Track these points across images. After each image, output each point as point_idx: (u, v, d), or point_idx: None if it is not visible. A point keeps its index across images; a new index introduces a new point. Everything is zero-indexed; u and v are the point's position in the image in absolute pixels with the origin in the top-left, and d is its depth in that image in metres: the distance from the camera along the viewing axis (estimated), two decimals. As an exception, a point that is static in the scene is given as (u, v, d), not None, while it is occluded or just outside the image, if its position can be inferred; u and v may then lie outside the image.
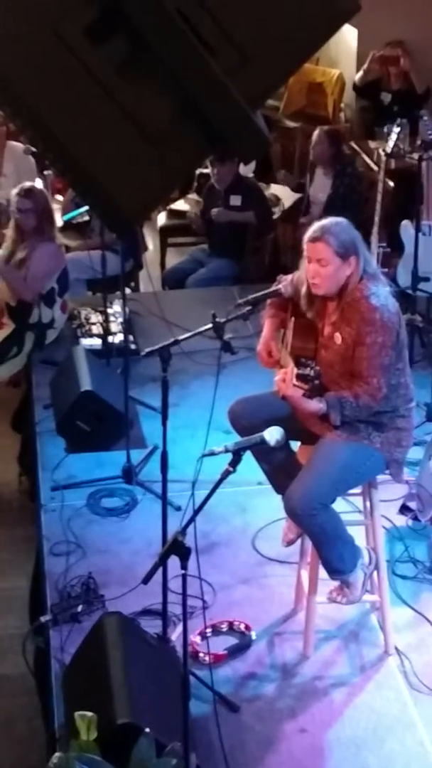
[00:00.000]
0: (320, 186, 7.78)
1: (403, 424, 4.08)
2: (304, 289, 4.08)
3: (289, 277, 4.24)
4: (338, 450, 4.01)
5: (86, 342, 6.36)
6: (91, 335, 6.47)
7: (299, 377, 3.81)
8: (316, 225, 4.00)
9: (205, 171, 7.94)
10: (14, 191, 6.36)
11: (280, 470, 4.25)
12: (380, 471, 4.13)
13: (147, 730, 3.36)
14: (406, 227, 6.79)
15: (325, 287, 3.99)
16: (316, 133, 7.75)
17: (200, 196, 8.15)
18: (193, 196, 8.50)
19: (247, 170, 8.23)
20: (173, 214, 8.59)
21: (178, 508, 4.70)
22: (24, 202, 6.23)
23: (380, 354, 3.93)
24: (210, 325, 4.17)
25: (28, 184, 6.56)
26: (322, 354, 4.07)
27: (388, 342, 3.93)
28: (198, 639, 4.26)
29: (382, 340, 3.92)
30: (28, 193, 6.27)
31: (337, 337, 4.00)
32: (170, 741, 3.38)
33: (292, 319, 4.17)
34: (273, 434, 3.58)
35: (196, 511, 3.40)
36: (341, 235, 3.95)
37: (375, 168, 7.61)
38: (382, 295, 3.98)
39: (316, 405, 3.92)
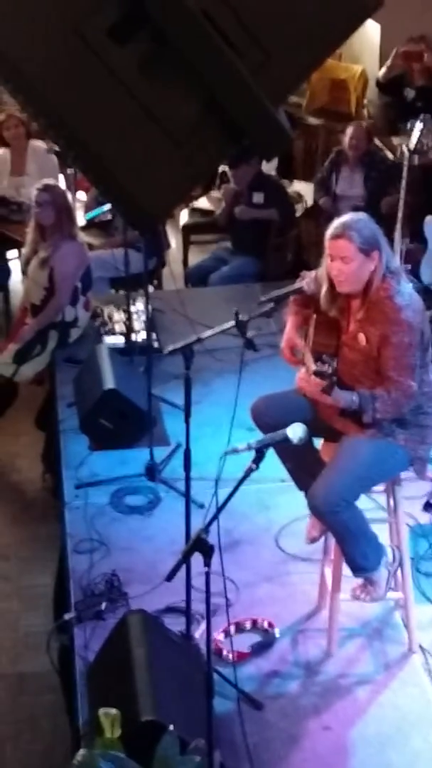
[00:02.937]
0: (348, 182, 7.77)
1: (426, 422, 4.07)
2: (325, 288, 4.07)
3: (312, 273, 4.22)
4: (362, 447, 4.00)
5: (109, 340, 6.36)
6: (114, 333, 6.47)
7: (317, 373, 3.80)
8: (337, 222, 3.99)
9: (227, 169, 7.94)
10: (34, 187, 6.39)
11: (303, 468, 4.24)
12: (404, 468, 4.12)
13: (171, 727, 3.36)
14: (430, 223, 6.76)
15: (349, 284, 3.98)
16: (352, 129, 7.74)
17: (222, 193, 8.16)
18: (216, 193, 8.50)
19: (269, 167, 8.23)
20: (196, 211, 8.59)
21: (201, 506, 4.70)
22: (42, 195, 6.24)
23: (407, 354, 3.91)
24: (233, 323, 4.17)
25: (48, 180, 6.59)
26: (346, 353, 4.06)
27: (414, 341, 3.91)
28: (221, 637, 4.26)
29: (408, 340, 3.90)
30: (47, 187, 6.30)
31: (361, 338, 3.98)
32: (194, 738, 3.38)
33: (314, 315, 4.15)
34: (296, 431, 3.57)
35: (220, 509, 3.40)
36: (363, 230, 3.93)
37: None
38: (406, 293, 3.96)
39: (348, 397, 3.91)
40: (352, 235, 3.91)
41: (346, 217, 4.01)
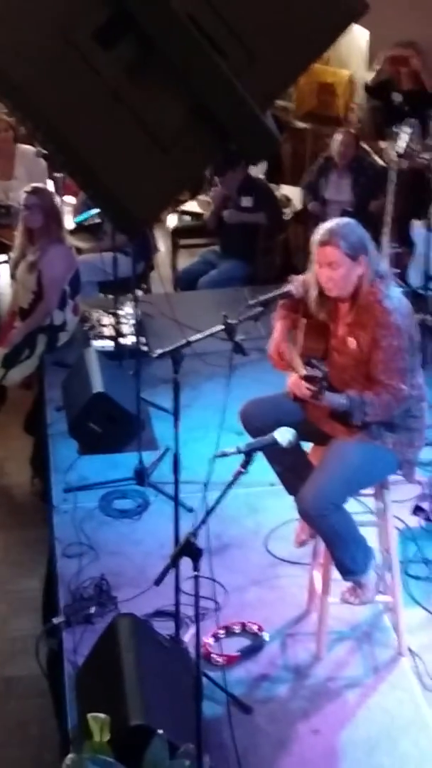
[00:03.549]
0: (336, 187, 7.79)
1: (415, 425, 4.08)
2: (314, 293, 4.07)
3: (301, 277, 4.23)
4: (350, 450, 4.00)
5: (98, 344, 6.36)
6: (103, 337, 6.47)
7: (307, 378, 3.80)
8: (323, 228, 3.98)
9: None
10: (23, 190, 6.38)
11: (291, 471, 4.24)
12: (392, 471, 4.12)
13: (160, 731, 3.36)
14: (417, 227, 6.78)
15: (338, 289, 3.99)
16: (342, 135, 7.77)
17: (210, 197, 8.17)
18: (204, 197, 8.51)
19: (257, 171, 8.24)
20: (185, 215, 8.59)
21: (190, 510, 4.70)
22: (31, 198, 6.24)
23: (396, 357, 3.92)
24: (221, 327, 4.17)
25: (36, 184, 6.58)
26: (335, 357, 4.06)
27: (403, 345, 3.92)
28: (211, 640, 4.26)
29: (397, 343, 3.91)
30: (35, 191, 6.30)
31: (351, 342, 3.99)
32: (183, 742, 3.38)
33: (303, 320, 4.16)
34: (285, 435, 3.58)
35: (208, 513, 3.41)
36: (350, 236, 3.93)
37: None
38: (395, 297, 3.97)
39: (338, 400, 3.92)
40: (339, 242, 3.91)
41: (332, 223, 4.00)
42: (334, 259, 3.93)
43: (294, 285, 4.23)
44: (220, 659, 4.18)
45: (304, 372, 3.81)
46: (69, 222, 7.43)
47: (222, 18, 3.03)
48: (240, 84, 3.07)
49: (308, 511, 3.95)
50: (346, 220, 4.06)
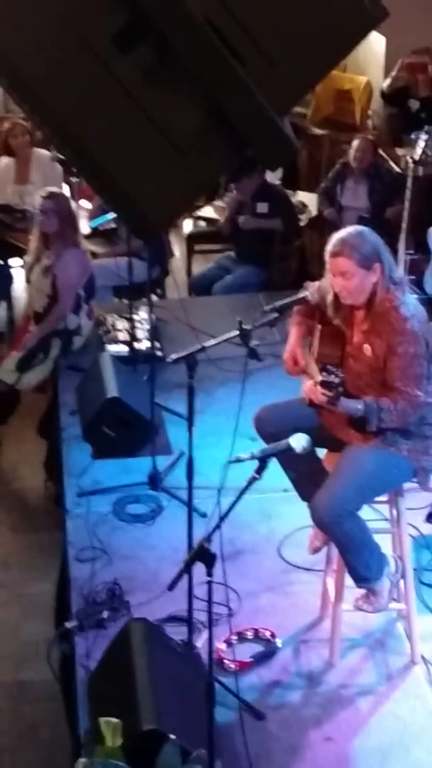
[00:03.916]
0: (353, 194, 7.79)
1: (430, 432, 4.06)
2: (330, 298, 4.07)
3: (316, 284, 4.23)
4: (365, 458, 3.99)
5: (112, 348, 6.36)
6: (118, 342, 6.48)
7: (323, 384, 3.80)
8: (336, 238, 3.97)
9: (231, 178, 7.97)
10: (39, 195, 6.40)
11: (305, 477, 4.24)
12: (407, 479, 4.11)
13: (172, 736, 3.36)
14: (434, 234, 6.77)
15: (353, 298, 3.98)
16: (359, 142, 7.78)
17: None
18: (220, 203, 8.51)
19: (273, 177, 8.24)
20: (200, 220, 8.60)
21: (204, 515, 4.70)
22: (46, 203, 6.25)
23: (413, 364, 3.91)
24: (236, 332, 4.17)
25: (52, 188, 6.60)
26: (351, 363, 4.05)
27: (419, 351, 3.91)
28: (223, 646, 4.26)
29: (414, 350, 3.90)
30: (51, 195, 6.31)
31: (367, 349, 3.98)
32: (195, 748, 3.38)
33: (319, 326, 4.16)
34: (299, 441, 3.57)
35: (222, 518, 3.40)
36: (362, 246, 3.92)
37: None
38: (411, 304, 3.96)
39: (354, 405, 3.90)
40: (351, 252, 3.91)
41: (344, 233, 3.99)
42: (346, 270, 3.92)
43: (309, 291, 4.22)
44: (232, 665, 4.17)
45: (320, 378, 3.81)
46: (84, 226, 7.44)
47: (240, 23, 3.03)
48: (258, 90, 3.07)
49: (322, 518, 3.94)
50: (359, 228, 4.04)
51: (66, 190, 7.22)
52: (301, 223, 8.11)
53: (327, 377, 3.78)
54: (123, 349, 6.38)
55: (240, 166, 7.30)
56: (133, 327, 6.38)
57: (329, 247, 3.96)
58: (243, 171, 7.45)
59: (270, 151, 3.29)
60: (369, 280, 3.93)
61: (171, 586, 3.48)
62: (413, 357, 3.90)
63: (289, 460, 4.09)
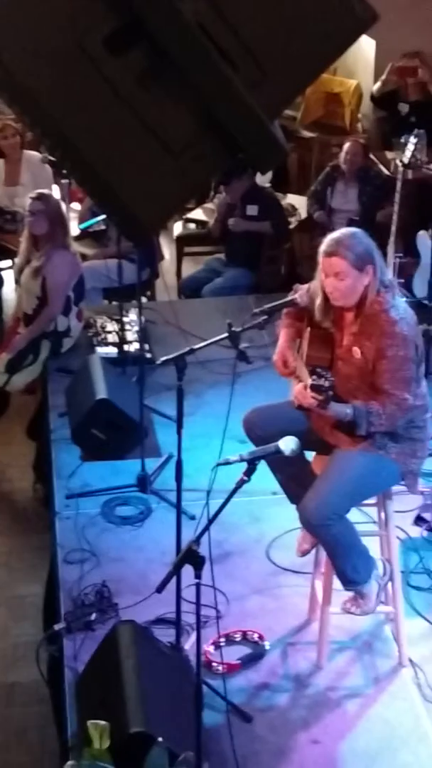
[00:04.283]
0: (343, 197, 7.81)
1: (418, 435, 4.07)
2: (319, 301, 4.07)
3: (306, 286, 4.23)
4: (354, 460, 4.00)
5: (102, 350, 6.37)
6: (107, 344, 6.48)
7: (313, 388, 3.80)
8: (330, 239, 3.98)
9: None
10: (28, 196, 6.40)
11: (294, 480, 4.24)
12: (396, 482, 4.12)
13: (160, 739, 3.36)
14: (423, 237, 6.79)
15: (344, 299, 3.99)
16: (349, 145, 7.80)
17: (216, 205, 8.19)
18: (210, 205, 8.52)
19: (263, 180, 8.25)
20: (190, 222, 8.61)
21: (193, 517, 4.69)
22: (36, 205, 6.25)
23: (402, 367, 3.92)
24: (226, 335, 4.17)
25: (42, 190, 6.59)
26: (339, 366, 4.06)
27: (409, 355, 3.92)
28: (211, 648, 4.26)
29: (403, 353, 3.91)
30: (41, 197, 6.30)
31: (356, 351, 3.98)
32: (183, 750, 3.38)
33: (308, 328, 4.16)
34: (288, 444, 3.58)
35: (211, 521, 3.40)
36: (356, 247, 3.93)
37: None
38: (401, 307, 3.97)
39: (343, 409, 3.91)
40: (345, 253, 3.91)
41: (338, 234, 4.00)
42: (340, 270, 3.93)
43: (299, 294, 4.23)
44: (220, 667, 4.17)
45: (310, 381, 3.81)
46: (74, 228, 7.43)
47: (232, 27, 3.04)
48: (249, 94, 3.08)
49: (311, 521, 3.95)
50: (353, 230, 4.05)
51: (56, 191, 7.22)
52: (291, 226, 8.12)
53: (317, 381, 3.78)
54: (112, 351, 6.38)
55: (230, 169, 7.32)
56: (122, 329, 6.38)
57: (323, 247, 3.97)
58: (233, 173, 7.46)
59: (261, 154, 3.30)
60: (361, 281, 3.94)
61: (159, 589, 3.47)
62: (403, 360, 3.91)
63: (277, 462, 4.10)
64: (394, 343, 3.89)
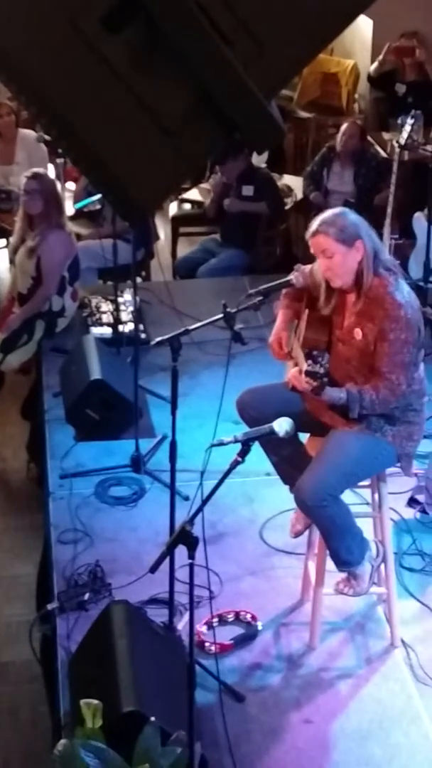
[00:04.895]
0: (339, 178, 7.79)
1: (415, 419, 4.07)
2: (323, 286, 4.07)
3: (308, 267, 4.21)
4: (350, 442, 4.00)
5: (96, 330, 6.36)
6: (102, 324, 6.47)
7: (308, 374, 3.79)
8: (315, 220, 3.99)
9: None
10: (23, 175, 6.37)
11: (288, 462, 4.24)
12: (391, 464, 4.12)
13: (152, 718, 3.36)
14: (419, 219, 6.78)
15: (339, 277, 3.97)
16: (346, 126, 7.77)
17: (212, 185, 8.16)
18: (205, 185, 8.49)
19: (259, 160, 8.22)
20: (185, 203, 8.58)
21: (186, 498, 4.70)
22: (31, 183, 6.23)
23: (402, 351, 3.91)
24: (221, 315, 4.16)
25: (37, 169, 6.56)
26: (339, 348, 4.05)
27: (410, 339, 3.91)
28: (204, 628, 4.27)
29: (405, 336, 3.90)
30: (36, 175, 6.28)
31: (357, 333, 3.97)
32: (175, 730, 3.39)
33: (306, 310, 4.15)
34: (282, 425, 3.57)
35: (204, 501, 3.40)
36: (339, 221, 3.93)
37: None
38: (405, 290, 3.96)
39: (336, 394, 3.91)
40: (327, 229, 3.92)
41: (323, 214, 4.01)
42: (325, 247, 3.93)
43: (295, 275, 4.22)
44: (213, 647, 4.18)
45: (305, 366, 3.80)
46: (69, 208, 7.41)
47: (230, 7, 3.02)
48: (246, 72, 3.06)
49: (306, 502, 3.95)
50: (339, 209, 4.06)
51: (51, 171, 7.19)
52: (287, 207, 8.09)
53: (312, 367, 3.78)
54: (107, 331, 6.36)
55: (226, 148, 7.28)
56: (117, 309, 6.37)
57: (309, 230, 3.98)
58: (229, 153, 7.43)
59: (257, 134, 3.28)
60: (352, 257, 3.92)
61: (153, 569, 3.48)
62: (403, 343, 3.90)
63: (271, 444, 4.09)
64: (397, 327, 3.88)
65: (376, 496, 4.25)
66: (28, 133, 7.85)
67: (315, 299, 4.14)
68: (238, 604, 4.46)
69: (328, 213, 4.01)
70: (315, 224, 3.96)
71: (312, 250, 3.99)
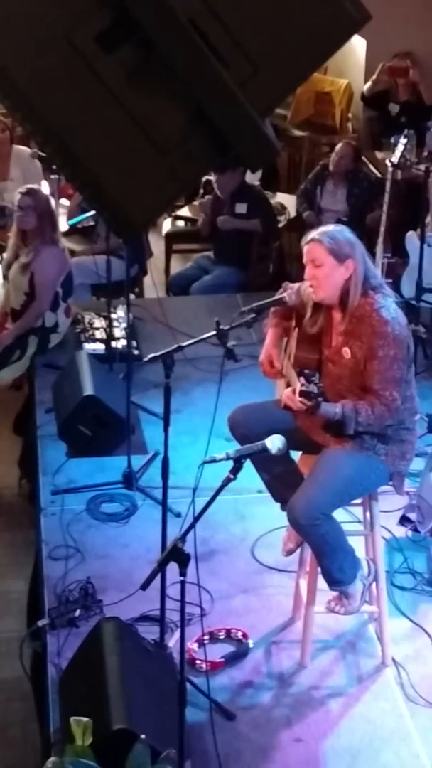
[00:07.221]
0: (331, 197, 7.82)
1: (407, 437, 4.08)
2: (310, 306, 4.08)
3: (296, 285, 4.23)
4: (343, 461, 4.00)
5: (89, 347, 6.36)
6: (95, 340, 6.47)
7: (303, 394, 3.79)
8: (316, 229, 4.02)
9: (211, 178, 7.96)
10: (17, 191, 6.38)
11: (279, 479, 4.24)
12: (384, 483, 4.12)
13: (142, 736, 3.35)
14: (412, 238, 6.79)
15: (323, 290, 3.98)
16: (340, 146, 7.83)
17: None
18: (197, 203, 8.50)
19: (253, 178, 8.25)
20: (179, 220, 8.60)
21: (178, 515, 4.70)
22: (25, 200, 6.24)
23: (392, 367, 3.92)
24: (213, 332, 4.17)
25: (31, 185, 6.58)
26: (330, 367, 4.06)
27: (399, 355, 3.92)
28: (195, 646, 4.26)
29: (394, 353, 3.91)
30: (30, 192, 6.30)
31: (346, 352, 3.98)
32: (165, 748, 3.38)
33: (296, 329, 4.16)
34: (274, 442, 3.58)
35: (196, 518, 3.40)
36: (336, 235, 3.96)
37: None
38: (392, 308, 3.97)
39: (332, 409, 3.91)
40: (323, 239, 3.94)
41: (325, 226, 4.05)
42: (317, 256, 3.95)
43: (287, 293, 4.23)
44: (204, 665, 4.17)
45: (299, 387, 3.80)
46: (63, 224, 7.42)
47: (224, 25, 3.04)
48: (241, 92, 3.08)
49: (299, 520, 3.95)
50: (340, 226, 4.11)
51: (45, 187, 7.20)
52: (280, 225, 8.11)
53: (307, 387, 3.77)
54: (100, 347, 6.37)
55: (226, 164, 7.29)
56: (110, 325, 6.37)
57: (305, 238, 4.00)
58: (228, 164, 7.42)
59: (252, 153, 3.30)
60: (340, 273, 3.94)
61: (144, 586, 3.47)
62: (393, 360, 3.91)
63: (263, 461, 4.09)
64: (385, 343, 3.89)
65: (368, 514, 4.25)
66: (22, 149, 7.86)
67: (303, 317, 4.15)
68: (230, 621, 4.45)
69: (330, 226, 4.05)
70: (314, 232, 4.00)
71: (304, 259, 4.01)
